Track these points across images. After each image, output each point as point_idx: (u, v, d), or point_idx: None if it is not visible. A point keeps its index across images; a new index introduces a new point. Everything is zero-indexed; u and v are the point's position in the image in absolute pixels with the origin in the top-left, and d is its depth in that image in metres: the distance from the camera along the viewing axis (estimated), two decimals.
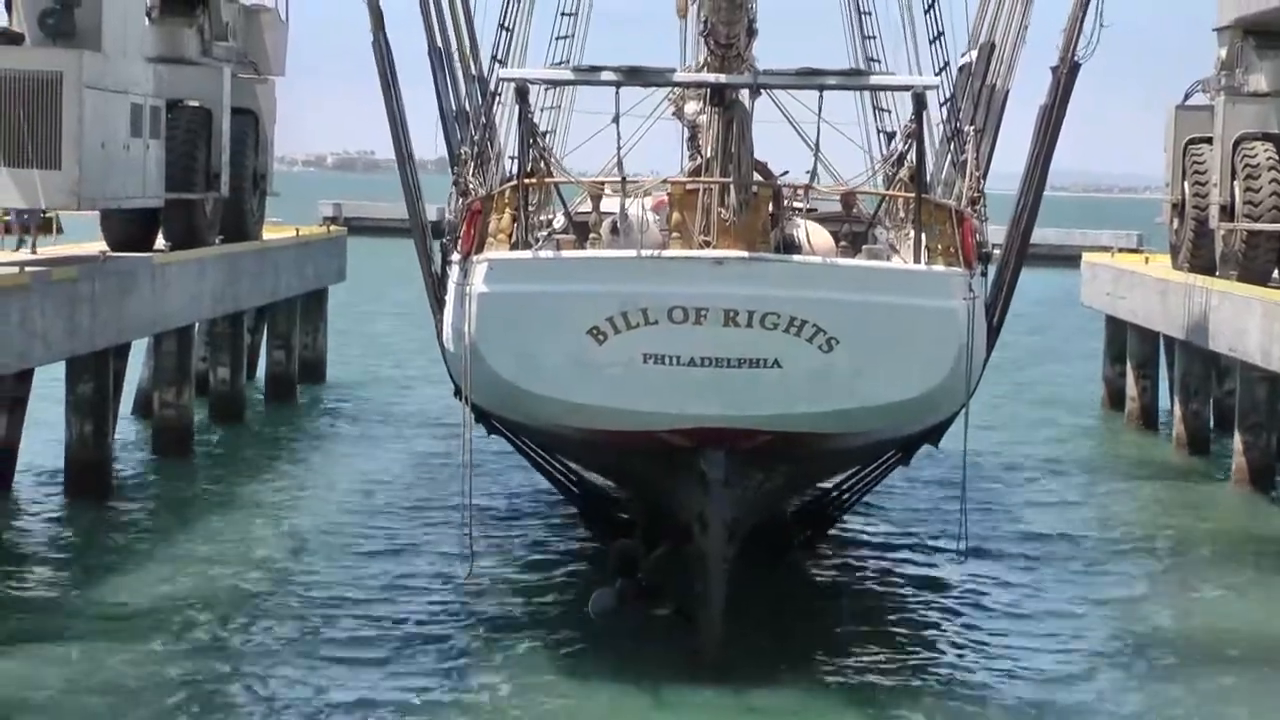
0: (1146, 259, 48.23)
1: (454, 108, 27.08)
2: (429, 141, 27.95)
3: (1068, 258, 58.31)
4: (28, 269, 29.03)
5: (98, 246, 35.84)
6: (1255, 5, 37.99)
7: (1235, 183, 37.37)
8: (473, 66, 28.00)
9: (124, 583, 26.14)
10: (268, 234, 44.01)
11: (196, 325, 38.35)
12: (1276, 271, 37.42)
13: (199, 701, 21.28)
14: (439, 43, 26.55)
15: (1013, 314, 28.02)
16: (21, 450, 32.05)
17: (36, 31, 30.92)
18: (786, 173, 25.63)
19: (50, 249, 34.96)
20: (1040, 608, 26.83)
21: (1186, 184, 40.12)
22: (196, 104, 37.52)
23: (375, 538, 30.08)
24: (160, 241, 37.05)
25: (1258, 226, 36.82)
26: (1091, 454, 41.54)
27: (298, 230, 47.92)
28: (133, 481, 34.07)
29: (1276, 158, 37.01)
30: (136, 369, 39.01)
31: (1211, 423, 40.21)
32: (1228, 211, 37.60)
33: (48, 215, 34.27)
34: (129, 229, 35.99)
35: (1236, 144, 37.53)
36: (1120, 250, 56.34)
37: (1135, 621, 26.05)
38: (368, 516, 31.80)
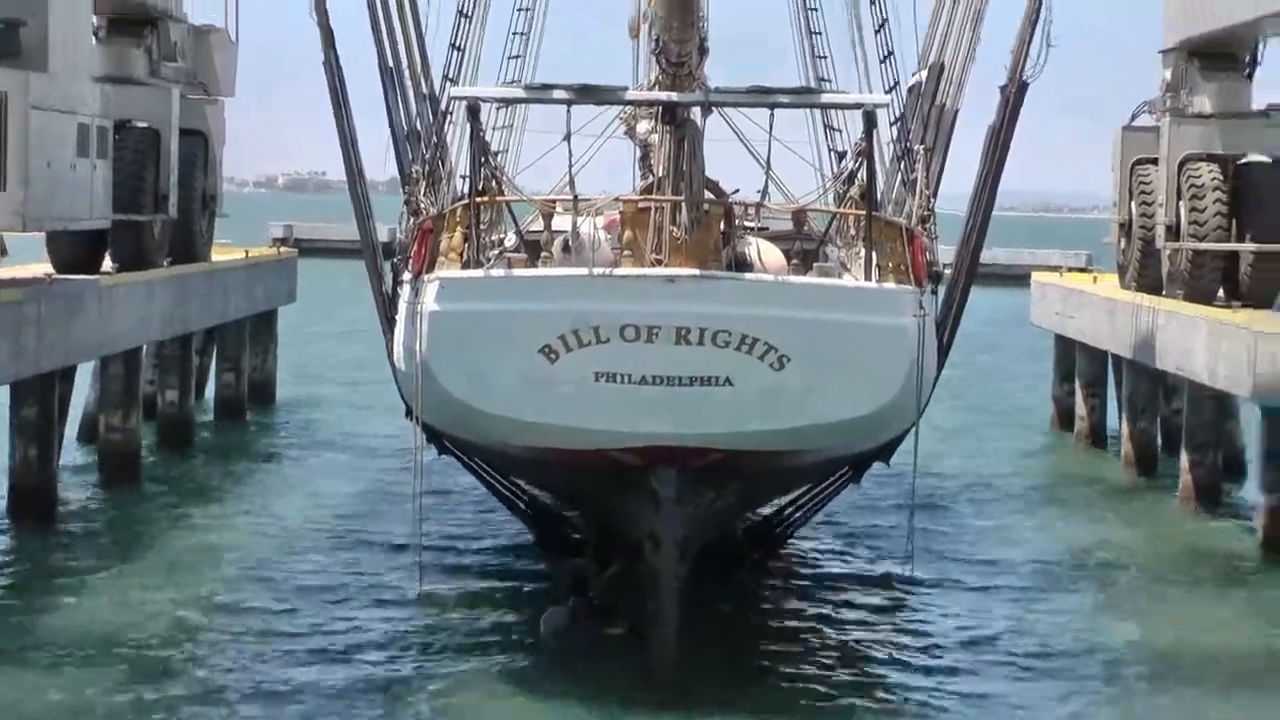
0: (1095, 278, 48.42)
1: (405, 127, 27.07)
2: (380, 162, 28.00)
3: (1017, 277, 58.49)
4: None
5: (43, 268, 35.69)
6: (1199, 28, 38.22)
7: (1181, 203, 37.56)
8: (424, 85, 28.00)
9: (67, 609, 26.02)
10: (217, 255, 43.80)
11: (144, 348, 38.17)
12: (1221, 291, 37.52)
13: (149, 714, 21.27)
14: (390, 62, 26.55)
15: (963, 333, 28.10)
16: None
17: None
18: (738, 191, 25.75)
19: None
20: (989, 625, 26.85)
21: (1133, 204, 40.31)
22: (145, 125, 37.36)
23: (326, 560, 29.95)
24: (107, 263, 36.85)
25: (1203, 246, 37.00)
26: (1041, 472, 41.68)
27: (247, 252, 47.74)
28: (78, 507, 33.76)
29: (1221, 178, 37.21)
30: (83, 392, 38.72)
31: (1159, 441, 40.33)
32: (1173, 231, 37.78)
33: None
34: (75, 250, 35.78)
35: (1182, 165, 37.70)
36: (1069, 270, 56.54)
37: (1083, 639, 26.08)
38: (318, 539, 31.66)
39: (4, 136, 29.67)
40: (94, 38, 36.25)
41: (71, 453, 37.06)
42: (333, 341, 56.60)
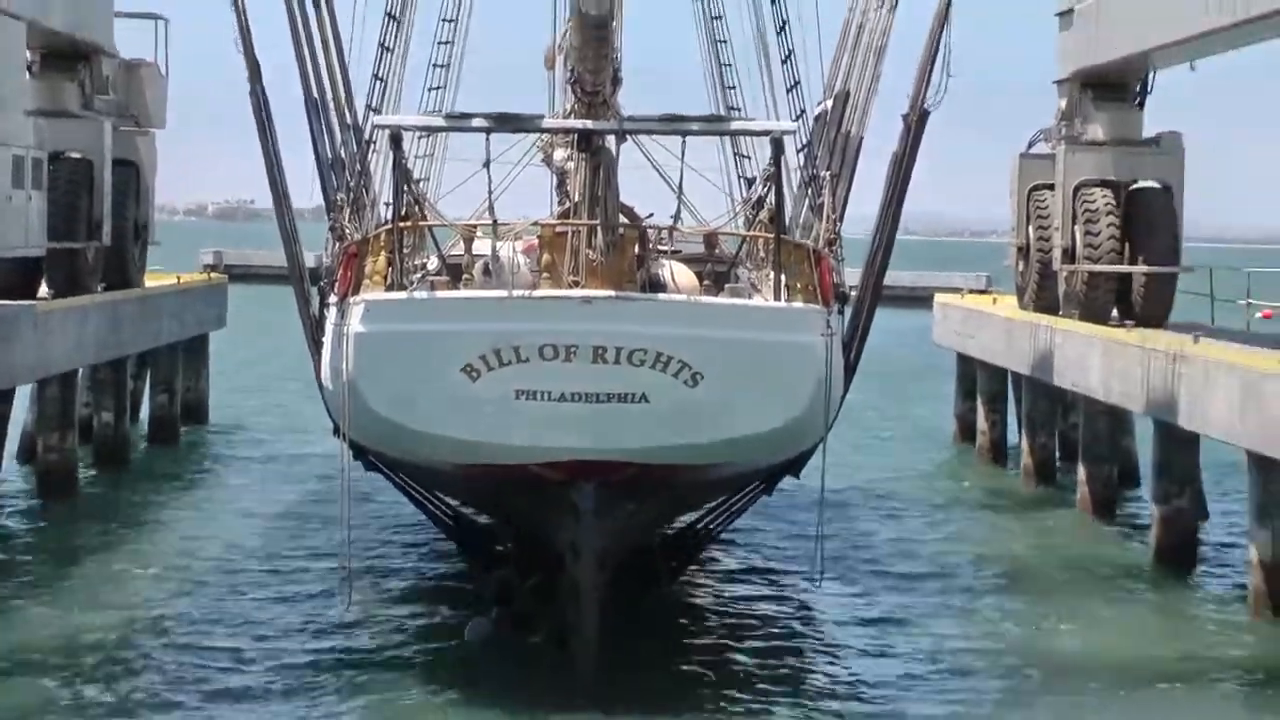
0: (994, 299, 48.61)
1: (330, 155, 26.90)
2: (306, 189, 27.81)
3: (921, 298, 58.76)
4: None
5: None
6: (1091, 59, 38.56)
7: (1076, 227, 37.78)
8: (348, 116, 27.85)
9: (14, 624, 25.78)
10: (149, 281, 43.62)
11: (80, 371, 37.94)
12: (1115, 311, 37.73)
13: (123, 693, 21.77)
14: (314, 93, 26.39)
15: (869, 351, 28.10)
16: None
17: None
18: (651, 215, 25.71)
19: None
20: (893, 630, 26.93)
21: (1031, 228, 40.49)
22: (78, 155, 37.28)
23: (256, 575, 29.82)
24: (43, 289, 36.61)
25: (1097, 268, 37.23)
26: (944, 485, 41.69)
27: (179, 278, 47.53)
28: (15, 526, 33.59)
29: (1114, 203, 37.45)
30: (21, 414, 38.41)
31: (1057, 454, 40.47)
32: (1069, 254, 38.02)
33: None
34: (11, 277, 35.49)
35: (1076, 190, 37.93)
36: (970, 291, 56.69)
37: (984, 643, 26.21)
38: (249, 555, 31.53)
39: None
40: (27, 72, 35.97)
41: (10, 472, 36.77)
42: (263, 364, 56.43)
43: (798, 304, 23.19)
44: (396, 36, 29.84)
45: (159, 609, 27.27)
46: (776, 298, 23.37)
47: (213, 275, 53.45)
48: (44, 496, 35.62)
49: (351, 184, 26.74)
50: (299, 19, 26.20)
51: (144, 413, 45.16)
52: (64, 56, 38.17)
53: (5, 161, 31.84)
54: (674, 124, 24.66)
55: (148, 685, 23.32)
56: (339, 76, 27.57)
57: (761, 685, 23.93)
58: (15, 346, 32.36)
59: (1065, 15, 40.12)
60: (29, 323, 33.13)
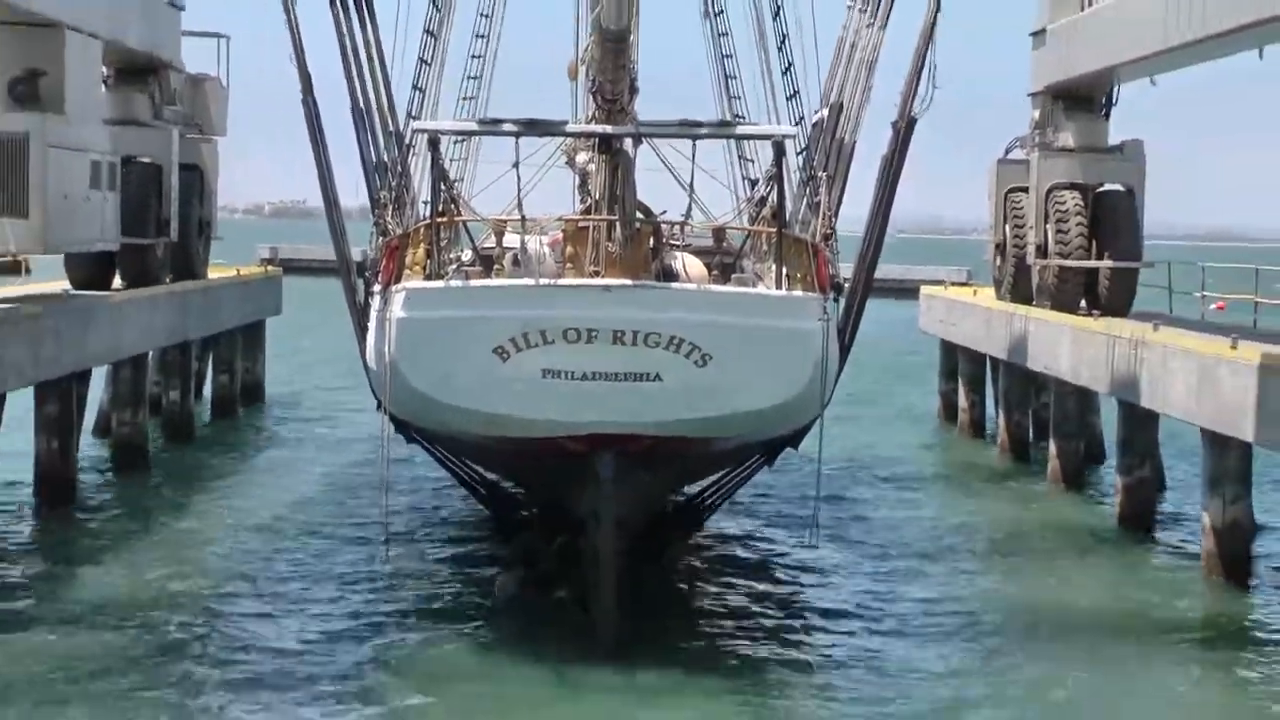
0: (975, 291, 48.50)
1: (374, 159, 26.88)
2: (353, 190, 27.78)
3: (908, 290, 58.66)
4: (0, 306, 28.69)
5: (61, 285, 35.55)
6: (1062, 74, 38.44)
7: (1048, 226, 37.62)
8: (390, 123, 27.80)
9: (86, 582, 25.77)
10: (212, 273, 43.57)
11: (150, 354, 37.91)
12: (1083, 301, 37.58)
13: (161, 672, 21.24)
14: (360, 102, 26.38)
15: (860, 337, 28.03)
16: None
17: (6, 97, 30.59)
18: (665, 211, 25.63)
19: (19, 288, 34.50)
20: (882, 589, 26.85)
21: (1007, 227, 40.37)
22: (148, 160, 37.13)
23: (306, 535, 29.82)
24: (117, 281, 36.58)
25: (1067, 263, 37.09)
26: (929, 459, 41.66)
27: (238, 270, 47.45)
28: (95, 494, 33.48)
29: (1082, 205, 37.33)
30: (98, 393, 38.41)
31: (1031, 431, 40.36)
32: (1042, 250, 37.85)
33: (17, 258, 33.91)
34: (89, 270, 35.61)
35: (1049, 193, 37.76)
36: (952, 284, 56.59)
37: (963, 598, 26.22)
38: (300, 517, 31.47)
39: (26, 172, 29.54)
40: (104, 85, 35.93)
41: (88, 445, 36.71)
42: (314, 348, 56.40)
43: (797, 293, 23.09)
44: (434, 51, 29.85)
45: (222, 564, 27.41)
46: (778, 287, 23.27)
47: (269, 268, 53.46)
48: (118, 467, 35.63)
49: (393, 184, 26.73)
50: (346, 36, 26.24)
51: (207, 391, 45.13)
52: (136, 71, 38.07)
53: (84, 165, 31.74)
54: (686, 129, 24.60)
55: (214, 628, 23.52)
56: (382, 87, 27.57)
57: (765, 639, 23.88)
58: (92, 332, 32.53)
59: (1038, 35, 40.00)
60: (104, 311, 33.40)
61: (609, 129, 24.08)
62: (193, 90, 41.02)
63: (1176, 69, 35.61)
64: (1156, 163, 38.48)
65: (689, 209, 25.43)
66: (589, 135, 25.60)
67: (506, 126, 23.79)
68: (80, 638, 22.59)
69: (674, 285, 23.18)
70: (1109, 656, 23.39)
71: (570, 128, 26.24)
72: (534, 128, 24.01)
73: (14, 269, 36.02)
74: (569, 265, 23.51)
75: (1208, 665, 23.18)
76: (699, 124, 25.18)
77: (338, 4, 25.98)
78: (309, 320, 55.32)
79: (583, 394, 21.38)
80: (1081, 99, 38.58)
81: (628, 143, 23.93)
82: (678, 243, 26.71)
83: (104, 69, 35.55)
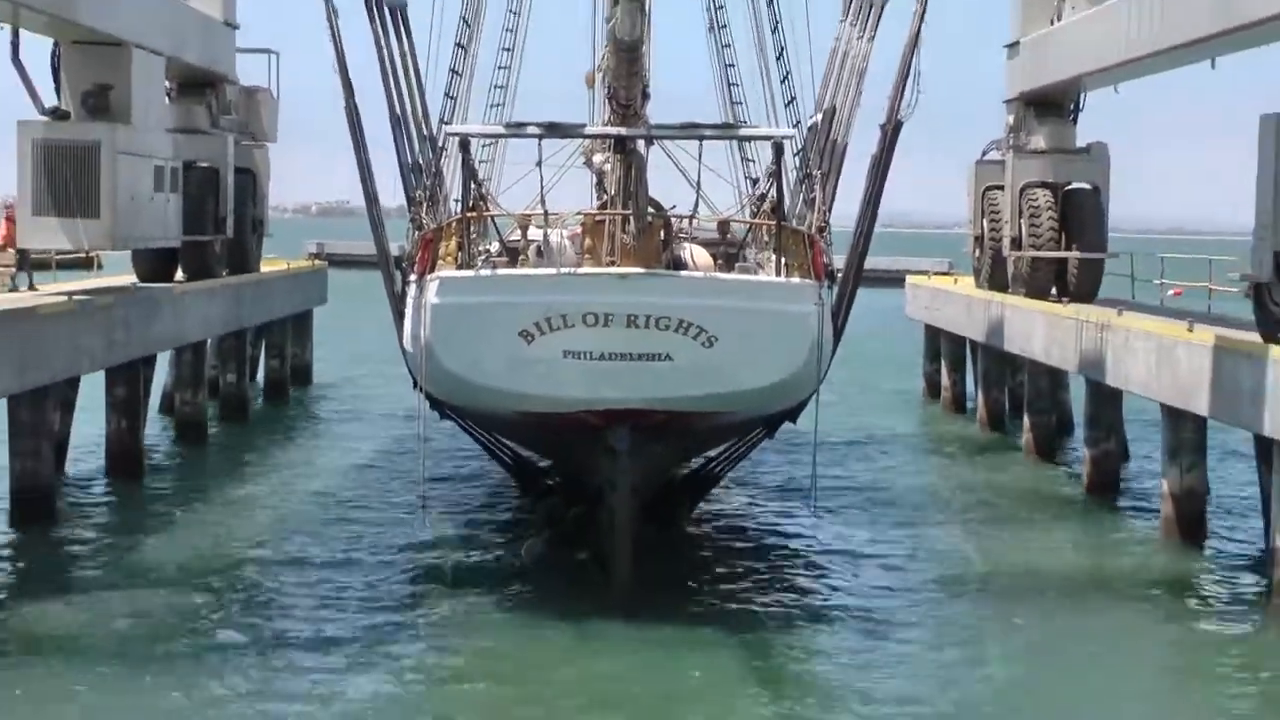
0: (955, 280, 48.31)
1: (410, 161, 26.83)
2: (391, 190, 27.67)
3: (895, 279, 58.39)
4: (74, 298, 28.78)
5: (129, 279, 35.53)
6: (1033, 83, 38.34)
7: (1021, 220, 37.57)
8: (424, 128, 27.75)
9: (154, 549, 25.76)
10: (265, 267, 43.54)
11: (209, 340, 37.89)
12: (1054, 289, 37.44)
13: (221, 624, 21.37)
14: (397, 110, 26.29)
15: (852, 321, 27.89)
16: (71, 440, 31.81)
17: (80, 109, 30.56)
18: (674, 206, 25.68)
19: (92, 281, 34.58)
20: (874, 550, 26.77)
21: (985, 222, 40.24)
22: (207, 165, 37.11)
23: (350, 503, 29.81)
24: (179, 274, 36.52)
25: (1039, 254, 37.03)
26: (915, 432, 41.58)
27: (288, 264, 47.45)
28: (160, 465, 33.54)
29: (1053, 201, 37.26)
30: (162, 375, 38.39)
31: (1007, 407, 40.24)
32: (1016, 243, 37.83)
33: (90, 254, 33.92)
34: (154, 265, 35.60)
35: (1022, 190, 37.68)
36: (935, 273, 56.33)
37: (946, 556, 26.23)
38: (345, 487, 31.51)
39: (98, 176, 29.50)
40: (167, 98, 35.86)
41: (153, 423, 36.72)
42: (356, 334, 56.35)
43: (795, 280, 22.99)
44: (464, 63, 29.90)
45: (275, 529, 27.37)
46: (778, 274, 23.23)
47: (316, 262, 53.44)
48: (180, 442, 35.71)
49: (428, 183, 26.69)
50: (385, 50, 26.12)
51: (260, 374, 45.08)
52: (196, 85, 38.04)
53: (149, 170, 31.74)
54: (693, 130, 24.57)
55: (268, 585, 23.61)
56: (417, 96, 27.53)
57: (767, 593, 23.83)
58: (157, 321, 32.60)
59: (1013, 47, 39.84)
60: (168, 302, 33.49)
61: (623, 131, 24.09)
62: (246, 101, 40.97)
63: (1137, 78, 35.53)
64: (1119, 163, 38.32)
65: (696, 204, 25.48)
66: (605, 137, 25.54)
67: (530, 129, 23.82)
68: (147, 595, 22.57)
69: (683, 273, 23.22)
70: (1076, 608, 23.35)
71: (588, 130, 26.20)
72: (555, 130, 24.05)
73: (87, 264, 36.23)
74: (587, 256, 23.46)
75: (1165, 616, 23.10)
76: (705, 126, 25.21)
77: (377, 21, 25.95)
78: (352, 310, 55.22)
79: (600, 373, 21.28)
80: (1051, 105, 38.51)
81: (640, 144, 23.99)
82: (686, 235, 26.67)
83: (166, 83, 35.48)
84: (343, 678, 19.33)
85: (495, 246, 25.71)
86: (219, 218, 37.62)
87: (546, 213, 24.09)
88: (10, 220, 32.33)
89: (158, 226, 32.61)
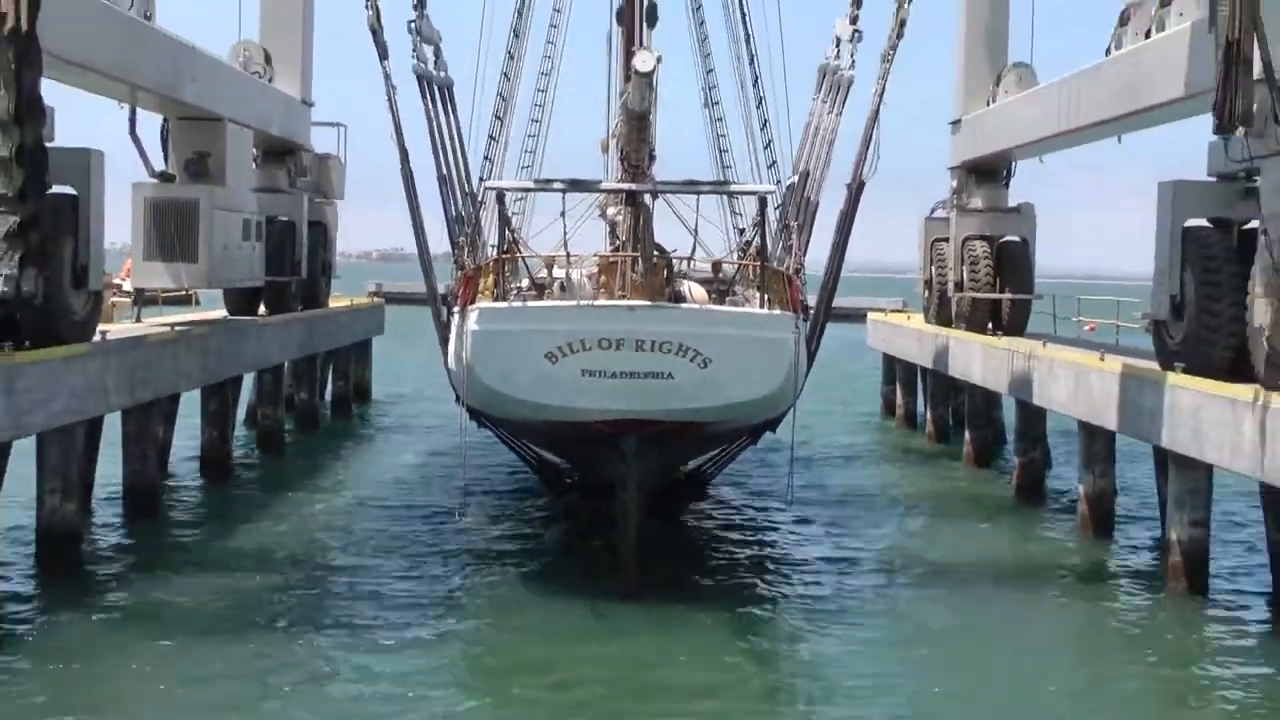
0: (908, 316, 48.17)
1: (454, 213, 26.74)
2: (438, 238, 27.57)
3: (858, 316, 58.11)
4: (176, 328, 28.81)
5: (221, 313, 35.54)
6: (972, 153, 38.35)
7: (963, 267, 37.51)
8: (466, 185, 27.68)
9: (240, 538, 25.71)
10: (333, 303, 43.42)
11: (286, 363, 37.75)
12: (990, 324, 37.32)
13: (297, 601, 21.27)
14: (443, 170, 26.21)
15: (822, 350, 27.84)
16: (172, 447, 31.82)
17: (183, 173, 30.58)
18: (675, 250, 25.69)
19: (191, 315, 34.53)
20: (839, 540, 26.68)
21: (933, 268, 40.16)
22: (285, 219, 37.11)
23: (403, 496, 29.79)
24: (262, 309, 36.46)
25: (977, 295, 36.93)
26: (873, 443, 41.35)
27: (352, 301, 47.33)
28: (245, 468, 33.40)
29: (989, 251, 37.23)
30: (247, 393, 38.29)
31: (951, 422, 40.06)
32: (959, 286, 37.76)
33: (189, 292, 33.87)
34: (242, 301, 35.53)
35: (963, 242, 37.65)
36: (891, 311, 56.26)
37: (897, 548, 26.12)
38: (399, 483, 31.45)
39: (196, 228, 29.52)
40: (254, 163, 35.86)
41: (240, 432, 36.58)
42: (409, 359, 56.32)
43: (776, 312, 22.86)
44: (500, 130, 29.89)
45: (341, 520, 27.30)
46: (761, 307, 23.08)
47: (375, 299, 53.29)
48: (262, 449, 35.55)
49: (468, 231, 26.59)
50: (434, 120, 26.08)
51: (328, 392, 44.89)
52: (278, 152, 38.04)
53: (238, 223, 31.70)
54: (691, 187, 24.52)
55: (336, 565, 23.60)
56: (460, 159, 27.43)
57: (750, 575, 23.76)
58: (244, 347, 32.58)
59: (956, 124, 39.84)
60: (252, 332, 33.48)
61: (633, 186, 24.01)
62: (319, 165, 40.99)
63: (1058, 150, 35.53)
64: (1044, 219, 38.16)
65: (693, 248, 25.60)
66: (618, 191, 25.49)
67: (555, 185, 23.76)
68: (236, 577, 22.51)
69: (682, 305, 23.09)
70: (1008, 589, 23.25)
71: (604, 185, 26.14)
72: (576, 186, 24.02)
73: (187, 300, 36.22)
74: (602, 291, 23.36)
75: (1081, 596, 23.04)
76: (701, 183, 25.18)
77: (427, 97, 25.87)
78: (405, 339, 55.25)
79: (612, 389, 21.12)
80: (987, 172, 38.49)
81: (647, 197, 23.91)
82: (685, 274, 26.58)
83: (254, 151, 35.48)
84: (397, 637, 19.33)
85: (526, 283, 25.62)
86: (295, 262, 37.60)
87: (569, 255, 24.02)
88: (128, 264, 32.51)
89: (245, 270, 32.57)
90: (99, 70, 24.80)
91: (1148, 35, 26.36)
